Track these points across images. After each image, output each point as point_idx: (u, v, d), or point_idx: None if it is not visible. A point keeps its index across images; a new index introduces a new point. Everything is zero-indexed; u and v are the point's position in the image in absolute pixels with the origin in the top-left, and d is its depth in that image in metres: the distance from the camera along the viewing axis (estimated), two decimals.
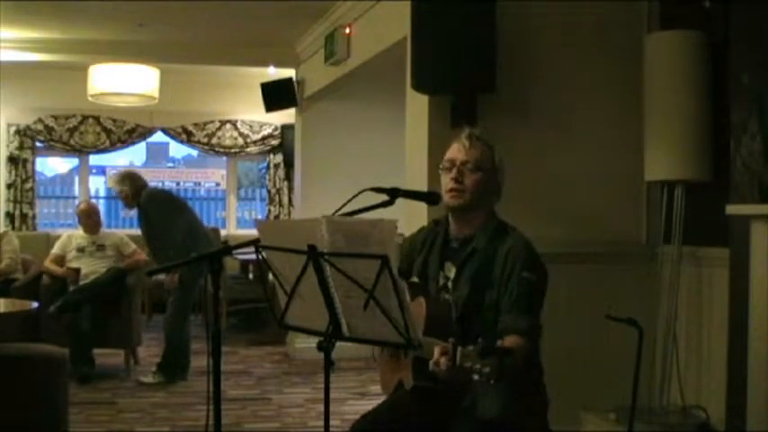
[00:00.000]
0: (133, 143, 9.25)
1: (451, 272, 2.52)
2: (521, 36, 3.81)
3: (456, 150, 2.50)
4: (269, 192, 9.47)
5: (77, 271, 5.78)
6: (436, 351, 2.11)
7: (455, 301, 2.45)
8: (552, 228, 3.06)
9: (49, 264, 5.93)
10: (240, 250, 2.46)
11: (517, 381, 2.18)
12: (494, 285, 2.40)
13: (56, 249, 6.00)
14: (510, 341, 2.22)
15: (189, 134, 9.20)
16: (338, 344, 2.18)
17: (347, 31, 5.30)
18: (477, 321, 2.38)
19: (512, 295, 2.35)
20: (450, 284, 2.51)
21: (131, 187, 5.73)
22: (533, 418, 2.47)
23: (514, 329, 2.30)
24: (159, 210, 5.69)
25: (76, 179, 9.75)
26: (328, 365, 2.16)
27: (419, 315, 2.36)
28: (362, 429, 2.53)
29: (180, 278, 5.57)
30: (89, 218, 6.02)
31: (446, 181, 2.49)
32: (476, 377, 1.98)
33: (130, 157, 11.54)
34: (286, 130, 8.90)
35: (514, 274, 2.36)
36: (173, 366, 5.60)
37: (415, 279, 2.61)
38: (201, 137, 9.23)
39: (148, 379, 5.54)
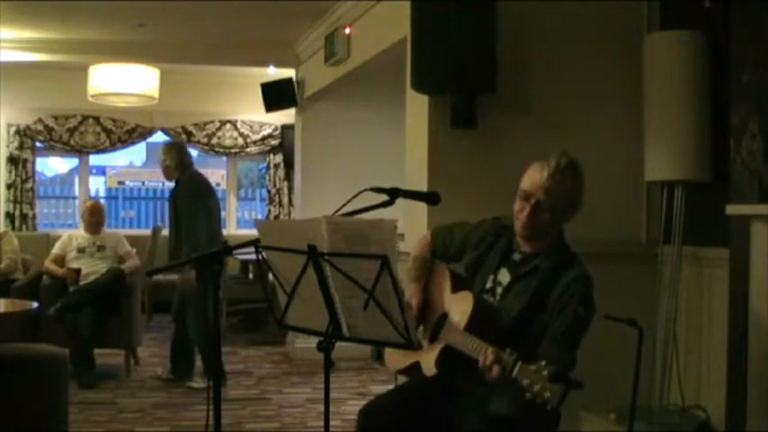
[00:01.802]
0: (133, 143, 9.25)
1: (505, 279, 2.52)
2: (521, 36, 3.81)
3: (536, 183, 2.43)
4: (269, 192, 9.47)
5: (78, 271, 5.77)
6: (490, 355, 2.13)
7: (499, 314, 2.45)
8: None
9: (49, 264, 5.93)
10: (240, 250, 2.46)
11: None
12: (546, 309, 2.40)
13: (56, 249, 5.99)
14: None
15: (189, 134, 9.21)
16: (338, 344, 2.18)
17: (347, 31, 5.30)
18: (521, 336, 2.39)
19: (561, 326, 2.37)
20: (499, 290, 2.52)
21: (174, 160, 5.51)
22: (542, 422, 2.47)
23: (553, 360, 2.30)
24: (193, 195, 5.42)
25: (76, 179, 9.76)
26: (328, 365, 2.17)
27: (465, 308, 2.38)
28: (376, 410, 2.56)
29: (196, 277, 5.21)
30: (92, 215, 6.01)
31: (519, 207, 2.47)
32: (527, 395, 1.99)
33: (130, 157, 11.58)
34: (286, 130, 8.90)
35: (570, 307, 2.38)
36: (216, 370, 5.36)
37: (460, 271, 2.62)
38: (201, 137, 9.24)
39: (198, 384, 5.37)
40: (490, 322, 2.39)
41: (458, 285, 2.52)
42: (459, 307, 2.40)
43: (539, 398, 1.97)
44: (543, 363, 2.02)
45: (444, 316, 2.42)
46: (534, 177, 2.44)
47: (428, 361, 2.42)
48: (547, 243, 2.50)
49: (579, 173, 2.46)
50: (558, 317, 2.38)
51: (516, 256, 2.54)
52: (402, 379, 2.74)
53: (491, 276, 2.55)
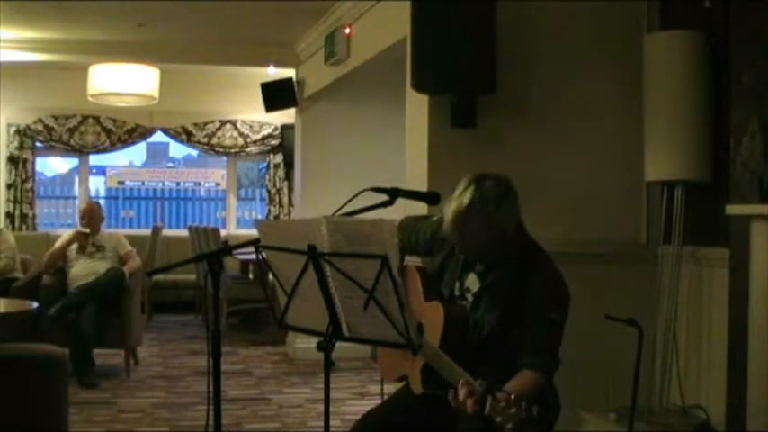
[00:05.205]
0: (133, 143, 9.26)
1: (474, 285, 2.48)
2: (521, 36, 3.81)
3: (454, 228, 2.35)
4: (269, 192, 9.48)
5: (87, 235, 5.82)
6: (461, 390, 2.08)
7: (472, 325, 2.42)
8: (552, 228, 3.06)
9: (48, 252, 5.97)
10: (240, 250, 2.46)
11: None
12: (521, 319, 2.36)
13: (58, 244, 5.99)
14: (528, 376, 2.26)
15: (189, 134, 9.21)
16: (338, 344, 2.18)
17: (347, 31, 5.30)
18: (498, 349, 2.38)
19: (538, 334, 2.33)
20: (469, 296, 2.49)
21: None
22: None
23: (535, 367, 2.30)
24: None
25: (76, 179, 9.76)
26: (328, 365, 2.16)
27: (437, 323, 2.35)
28: (369, 424, 2.53)
29: None
30: (82, 219, 6.01)
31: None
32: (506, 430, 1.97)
33: (130, 157, 11.53)
34: (286, 130, 8.91)
35: (543, 314, 2.33)
36: None
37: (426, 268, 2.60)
38: (201, 137, 9.24)
39: None
40: (463, 338, 2.36)
41: (429, 292, 2.47)
42: (431, 320, 2.37)
43: None
44: (513, 396, 1.96)
45: (420, 327, 2.40)
46: (447, 221, 2.36)
47: (414, 377, 2.40)
48: (503, 251, 2.42)
49: (484, 207, 2.30)
50: (534, 323, 2.33)
51: (478, 267, 2.48)
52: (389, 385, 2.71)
53: (457, 283, 2.52)
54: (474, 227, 2.32)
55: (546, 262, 2.43)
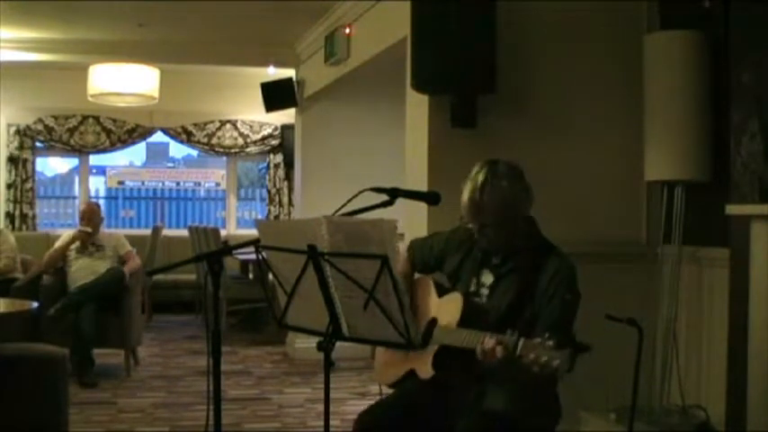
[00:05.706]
0: (133, 143, 9.26)
1: (489, 279, 2.52)
2: (521, 36, 3.81)
3: (470, 207, 2.42)
4: (269, 192, 9.48)
5: (89, 234, 5.82)
6: (489, 339, 2.14)
7: (489, 310, 2.45)
8: (552, 228, 3.05)
9: (48, 252, 5.96)
10: (240, 250, 2.46)
11: (530, 383, 2.22)
12: (534, 302, 2.40)
13: (58, 244, 5.99)
14: None
15: (189, 134, 9.21)
16: (338, 344, 2.18)
17: (347, 31, 5.30)
18: (512, 328, 2.39)
19: (552, 315, 2.36)
20: (484, 291, 2.51)
21: None
22: (540, 421, 2.47)
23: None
24: None
25: (76, 179, 9.76)
26: (328, 365, 2.16)
27: (454, 309, 2.38)
28: (372, 420, 2.53)
29: None
30: (82, 219, 6.00)
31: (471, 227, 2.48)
32: (535, 369, 2.00)
33: (130, 156, 11.52)
34: (286, 130, 8.91)
35: (558, 296, 2.38)
36: None
37: (439, 280, 2.62)
38: (201, 137, 9.24)
39: None
40: (481, 317, 2.39)
41: (443, 292, 2.52)
42: (448, 308, 2.40)
43: (547, 368, 1.97)
44: (546, 335, 2.03)
45: (433, 321, 2.41)
46: (463, 203, 2.44)
47: (423, 365, 2.41)
48: (519, 242, 2.48)
49: (498, 183, 2.40)
50: (547, 306, 2.38)
51: (495, 260, 2.53)
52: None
53: (474, 279, 2.54)
54: (490, 204, 2.38)
55: (559, 254, 2.49)
